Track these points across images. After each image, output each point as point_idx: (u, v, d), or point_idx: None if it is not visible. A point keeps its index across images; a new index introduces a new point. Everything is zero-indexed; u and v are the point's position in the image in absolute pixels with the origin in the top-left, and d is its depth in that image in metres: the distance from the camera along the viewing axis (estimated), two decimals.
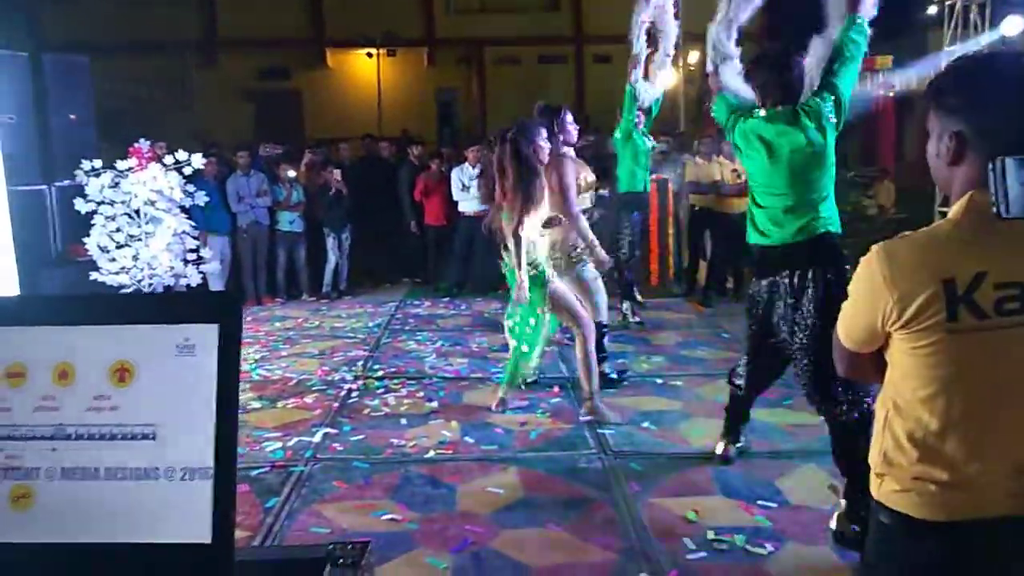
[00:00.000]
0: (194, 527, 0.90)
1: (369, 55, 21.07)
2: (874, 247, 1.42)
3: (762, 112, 3.30)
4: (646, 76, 6.01)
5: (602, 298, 5.12)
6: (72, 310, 0.98)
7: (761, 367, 3.63)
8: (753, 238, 3.40)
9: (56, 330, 0.96)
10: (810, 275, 3.22)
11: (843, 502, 3.17)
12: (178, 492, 0.91)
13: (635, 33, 5.76)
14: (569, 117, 4.94)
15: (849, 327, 1.50)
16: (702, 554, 3.09)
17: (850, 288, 1.48)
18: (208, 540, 0.90)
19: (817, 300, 3.19)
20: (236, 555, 0.92)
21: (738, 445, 3.96)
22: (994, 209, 1.27)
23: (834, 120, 3.19)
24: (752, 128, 3.31)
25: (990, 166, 1.27)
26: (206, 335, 0.93)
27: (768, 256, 3.37)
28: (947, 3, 11.89)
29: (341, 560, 0.99)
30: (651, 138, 6.83)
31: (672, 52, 6.04)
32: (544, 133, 4.57)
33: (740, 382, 3.74)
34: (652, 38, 5.84)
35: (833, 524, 3.14)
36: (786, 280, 3.28)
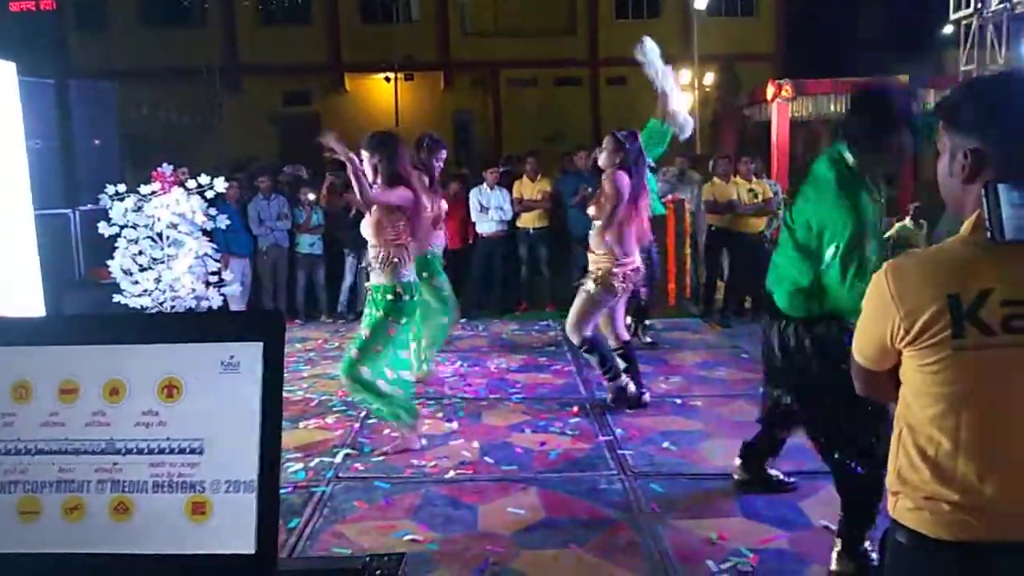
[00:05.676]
0: (239, 538, 0.93)
1: (387, 79, 21.30)
2: (885, 264, 1.43)
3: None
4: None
5: None
6: (122, 329, 1.01)
7: None
8: None
9: (107, 349, 0.99)
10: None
11: (839, 540, 3.06)
12: (223, 504, 0.94)
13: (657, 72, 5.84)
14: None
15: (861, 343, 1.51)
16: None
17: (863, 304, 1.48)
18: (252, 551, 0.93)
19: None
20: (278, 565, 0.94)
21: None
22: (988, 235, 1.27)
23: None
24: None
25: (982, 192, 1.27)
26: (251, 352, 0.97)
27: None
28: (963, 22, 11.92)
29: (378, 572, 1.01)
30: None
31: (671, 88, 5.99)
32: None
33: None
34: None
35: (833, 566, 3.04)
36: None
